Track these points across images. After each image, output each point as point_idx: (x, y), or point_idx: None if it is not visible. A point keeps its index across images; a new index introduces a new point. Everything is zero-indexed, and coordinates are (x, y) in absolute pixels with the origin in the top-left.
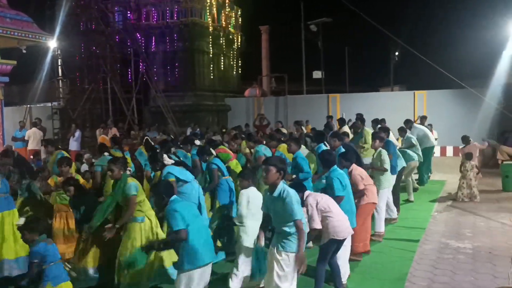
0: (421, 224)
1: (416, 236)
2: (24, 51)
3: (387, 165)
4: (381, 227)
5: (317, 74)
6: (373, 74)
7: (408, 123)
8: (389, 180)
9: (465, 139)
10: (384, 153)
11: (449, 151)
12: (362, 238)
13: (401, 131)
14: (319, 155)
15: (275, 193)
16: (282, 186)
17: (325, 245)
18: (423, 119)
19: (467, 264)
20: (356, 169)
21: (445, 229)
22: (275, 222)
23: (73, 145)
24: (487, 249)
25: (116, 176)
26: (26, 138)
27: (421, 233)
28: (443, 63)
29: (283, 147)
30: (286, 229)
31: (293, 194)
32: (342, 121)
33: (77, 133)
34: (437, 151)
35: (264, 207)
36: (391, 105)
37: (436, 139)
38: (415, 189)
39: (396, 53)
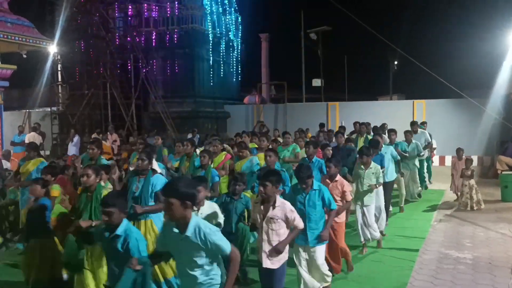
0: (421, 234)
1: (415, 245)
2: (25, 56)
3: (381, 179)
4: (374, 236)
5: (316, 82)
6: (372, 83)
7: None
8: (375, 195)
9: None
10: (378, 166)
11: (448, 160)
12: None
13: (408, 134)
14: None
15: (188, 232)
16: (196, 221)
17: (284, 265)
18: (414, 125)
19: (467, 275)
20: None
21: (445, 239)
22: (181, 265)
23: (72, 150)
24: (486, 259)
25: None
26: (26, 141)
27: (421, 242)
28: (442, 73)
29: (261, 155)
30: (200, 276)
31: (212, 228)
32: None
33: (76, 138)
34: (435, 161)
35: (160, 244)
36: (390, 114)
37: (434, 148)
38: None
39: (395, 62)
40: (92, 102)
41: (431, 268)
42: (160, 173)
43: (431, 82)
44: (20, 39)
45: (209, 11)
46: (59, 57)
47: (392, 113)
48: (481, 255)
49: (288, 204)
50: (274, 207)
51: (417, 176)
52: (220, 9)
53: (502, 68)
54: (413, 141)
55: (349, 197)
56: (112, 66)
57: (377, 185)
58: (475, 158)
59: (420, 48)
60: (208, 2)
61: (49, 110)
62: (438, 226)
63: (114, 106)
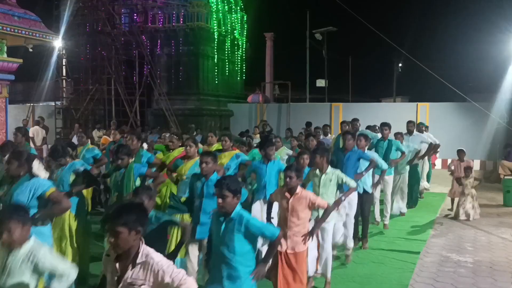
0: (422, 236)
1: (416, 248)
2: (31, 50)
3: (352, 181)
4: (328, 271)
5: (320, 83)
6: (375, 85)
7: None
8: (341, 213)
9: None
10: (338, 170)
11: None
12: None
13: (399, 136)
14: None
15: None
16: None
17: None
18: (410, 124)
19: (468, 278)
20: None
21: (446, 242)
22: None
23: None
24: (487, 263)
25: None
26: (30, 135)
27: (422, 245)
28: (446, 76)
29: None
30: None
31: None
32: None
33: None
34: (438, 164)
35: None
36: (394, 116)
37: (437, 151)
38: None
39: (400, 64)
40: (96, 97)
41: (431, 271)
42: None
43: (435, 85)
44: (27, 33)
45: (215, 9)
46: (64, 51)
47: (396, 115)
48: (482, 259)
49: (158, 257)
50: (134, 265)
51: (406, 185)
52: (226, 7)
53: (507, 72)
54: (404, 143)
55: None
56: (117, 62)
57: (343, 198)
58: (477, 162)
59: (425, 50)
60: (214, 1)
61: (53, 104)
62: (440, 229)
63: (118, 102)
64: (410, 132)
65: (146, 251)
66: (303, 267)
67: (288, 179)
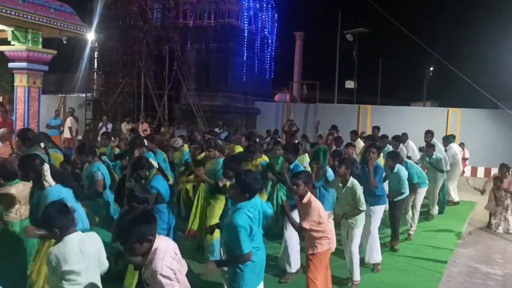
0: (450, 246)
1: (444, 257)
2: (65, 42)
3: (363, 205)
4: (357, 275)
5: (349, 84)
6: (405, 88)
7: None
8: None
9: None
10: (358, 186)
11: (480, 172)
12: None
13: (430, 148)
14: None
15: None
16: None
17: None
18: (427, 134)
19: None
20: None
21: (474, 252)
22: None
23: None
24: None
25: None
26: (68, 125)
27: (449, 254)
28: (479, 82)
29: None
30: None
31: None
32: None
33: (109, 126)
34: (467, 171)
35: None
36: (423, 121)
37: (467, 158)
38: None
39: (431, 68)
40: (126, 90)
41: (459, 282)
42: None
43: (467, 90)
44: (62, 25)
45: (246, 6)
46: (96, 44)
47: (426, 120)
48: None
49: (160, 255)
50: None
51: (437, 191)
52: (257, 5)
53: None
54: (435, 155)
55: (307, 224)
56: (148, 56)
57: (345, 216)
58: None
59: (458, 55)
60: None
61: (84, 96)
62: (468, 239)
63: (147, 95)
64: (427, 141)
65: (155, 247)
66: (316, 268)
67: (295, 187)
